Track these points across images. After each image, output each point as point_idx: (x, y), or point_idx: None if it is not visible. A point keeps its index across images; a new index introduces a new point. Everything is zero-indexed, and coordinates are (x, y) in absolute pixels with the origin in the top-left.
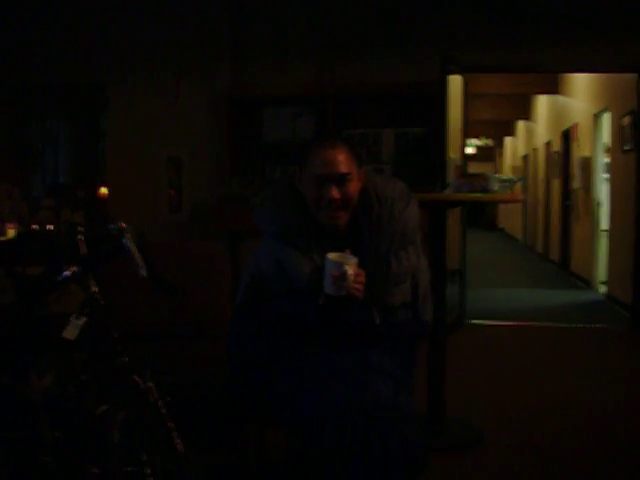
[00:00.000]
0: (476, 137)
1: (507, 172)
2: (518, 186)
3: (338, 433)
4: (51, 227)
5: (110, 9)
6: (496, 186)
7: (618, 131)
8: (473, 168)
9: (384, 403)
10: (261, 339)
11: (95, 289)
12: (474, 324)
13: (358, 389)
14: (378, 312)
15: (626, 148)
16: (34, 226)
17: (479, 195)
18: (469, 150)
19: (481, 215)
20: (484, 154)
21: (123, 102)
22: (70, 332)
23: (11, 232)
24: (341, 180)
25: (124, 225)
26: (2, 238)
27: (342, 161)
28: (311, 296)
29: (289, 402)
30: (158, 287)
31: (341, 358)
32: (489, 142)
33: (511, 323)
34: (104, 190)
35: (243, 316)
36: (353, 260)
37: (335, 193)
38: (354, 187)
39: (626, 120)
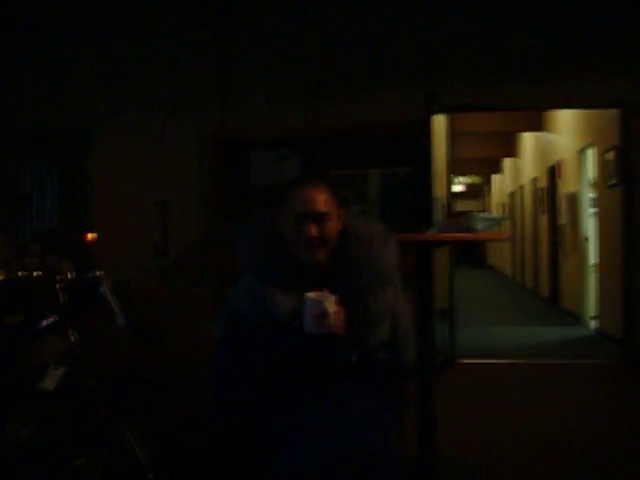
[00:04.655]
0: (463, 175)
1: (495, 209)
2: (505, 224)
3: None
4: (39, 273)
5: (96, 54)
6: (480, 225)
7: (603, 166)
8: (462, 205)
9: (368, 453)
10: (241, 373)
11: (74, 339)
12: (465, 363)
13: (343, 441)
14: (356, 351)
15: (611, 183)
16: (20, 273)
17: (464, 235)
18: (457, 188)
19: (470, 253)
20: (472, 191)
21: (109, 147)
22: (49, 382)
23: None
24: (320, 218)
25: (101, 274)
26: None
27: (321, 200)
28: (290, 332)
29: (274, 453)
30: (136, 335)
31: (325, 408)
32: (477, 180)
33: (502, 361)
34: (91, 235)
35: (222, 350)
36: (332, 298)
37: (313, 231)
38: (333, 226)
39: (610, 155)
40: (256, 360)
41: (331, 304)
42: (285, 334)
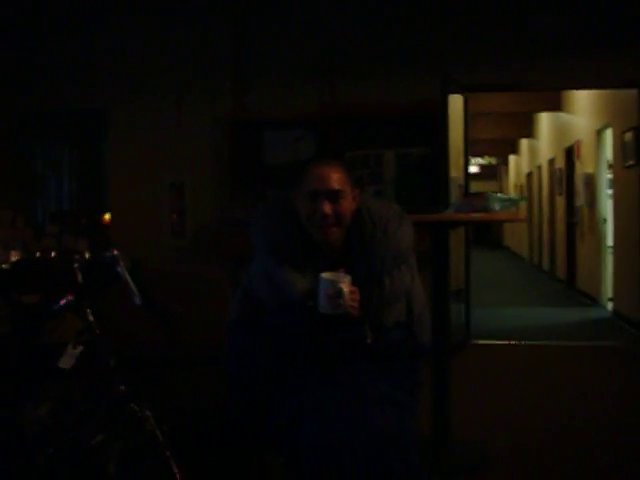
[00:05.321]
0: (480, 156)
1: (512, 190)
2: (522, 205)
3: (340, 468)
4: (55, 254)
5: (112, 35)
6: (497, 205)
7: (620, 147)
8: (477, 187)
9: (385, 434)
10: (256, 354)
11: (91, 318)
12: (479, 344)
13: (358, 422)
14: (370, 331)
15: (628, 164)
16: (38, 253)
17: (480, 215)
18: (473, 169)
19: (486, 234)
20: (488, 173)
21: (125, 128)
22: (66, 362)
23: (15, 259)
24: (334, 196)
25: (117, 253)
26: (5, 266)
27: (336, 178)
28: (304, 312)
29: (288, 435)
30: (153, 315)
31: (339, 389)
32: (493, 161)
33: (517, 342)
34: (107, 216)
35: (237, 331)
36: (347, 278)
37: (327, 208)
38: (347, 205)
39: (628, 136)
40: (270, 340)
41: (346, 284)
42: (299, 314)
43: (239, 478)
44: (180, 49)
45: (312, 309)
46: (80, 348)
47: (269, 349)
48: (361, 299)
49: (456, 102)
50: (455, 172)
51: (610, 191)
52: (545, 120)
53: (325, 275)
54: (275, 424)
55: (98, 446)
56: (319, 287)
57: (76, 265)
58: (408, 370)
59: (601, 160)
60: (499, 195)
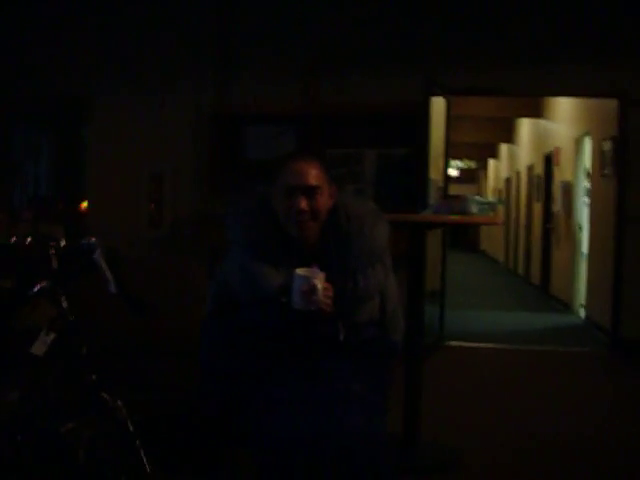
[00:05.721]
0: (460, 159)
1: (490, 194)
2: (500, 209)
3: (306, 464)
4: (31, 239)
5: (95, 23)
6: (475, 208)
7: (599, 156)
8: (456, 190)
9: (353, 432)
10: (229, 347)
11: (65, 305)
12: (453, 346)
13: (326, 419)
14: (343, 328)
15: (606, 173)
16: (13, 239)
17: (457, 217)
18: (452, 172)
19: (463, 237)
20: (468, 176)
21: (106, 116)
22: (39, 348)
23: None
24: (311, 192)
25: (94, 240)
26: None
27: (313, 174)
28: (278, 307)
29: (256, 429)
30: (127, 304)
31: (309, 385)
32: (472, 164)
33: (490, 346)
34: (84, 204)
35: (212, 324)
36: (321, 274)
37: (304, 204)
38: (323, 201)
39: (607, 145)
40: (244, 334)
41: (320, 280)
42: (273, 309)
43: (209, 469)
44: (164, 41)
45: (286, 304)
46: (53, 335)
47: (243, 343)
48: (334, 296)
49: (438, 104)
50: (435, 174)
51: (587, 199)
52: (525, 126)
53: (299, 271)
54: (245, 415)
55: (68, 434)
56: (293, 283)
57: (52, 251)
58: (379, 368)
59: (579, 168)
60: (477, 198)
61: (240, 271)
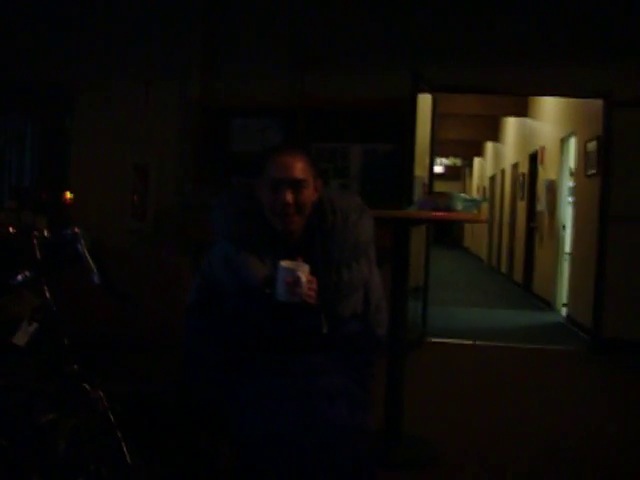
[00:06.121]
0: (445, 156)
1: (475, 192)
2: (484, 207)
3: (285, 458)
4: (13, 229)
5: (81, 12)
6: (460, 205)
7: (583, 156)
8: (441, 187)
9: (334, 426)
10: (212, 338)
11: (48, 295)
12: (435, 342)
13: (306, 413)
14: (326, 321)
15: (590, 172)
16: None
17: (442, 214)
18: (438, 169)
19: (447, 233)
20: (453, 173)
21: (91, 106)
22: (20, 338)
23: None
24: (296, 185)
25: (78, 231)
26: None
27: (299, 167)
28: (262, 298)
29: (238, 420)
30: (110, 294)
31: (292, 379)
32: (458, 162)
33: (472, 342)
34: (68, 194)
35: (195, 315)
36: (305, 267)
37: (289, 197)
38: (309, 194)
39: (592, 145)
40: (227, 325)
41: (304, 273)
42: (257, 300)
43: (190, 461)
44: (151, 31)
45: (269, 296)
46: (35, 325)
47: (226, 334)
48: (318, 289)
49: (425, 101)
50: (420, 171)
51: (571, 198)
52: (511, 125)
53: (284, 263)
54: (227, 408)
55: (49, 425)
56: (277, 275)
57: (35, 241)
58: (362, 362)
59: (564, 167)
60: (462, 195)
61: (224, 262)
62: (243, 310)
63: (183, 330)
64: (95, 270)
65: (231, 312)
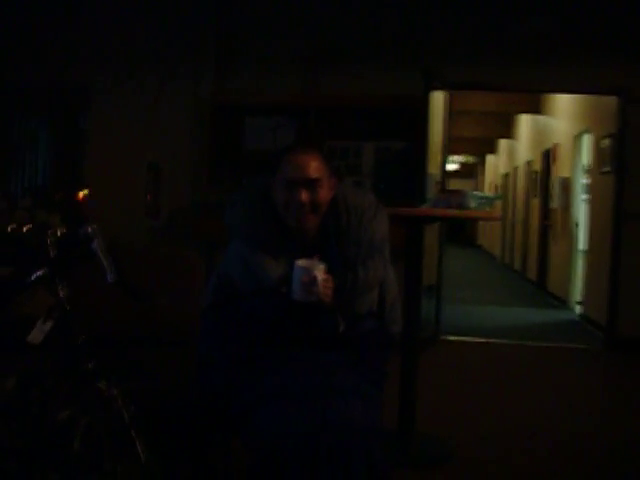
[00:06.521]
0: (458, 154)
1: (488, 189)
2: (497, 204)
3: (298, 455)
4: (29, 227)
5: (94, 12)
6: (473, 203)
7: (598, 153)
8: (455, 184)
9: (348, 424)
10: (228, 338)
11: (63, 293)
12: (449, 340)
13: (321, 412)
14: (343, 320)
15: (605, 170)
16: (10, 226)
17: (456, 212)
18: (451, 166)
19: (460, 231)
20: (466, 171)
21: (105, 105)
22: (35, 336)
23: None
24: (311, 185)
25: (93, 229)
26: None
27: (313, 167)
28: (278, 298)
29: (249, 417)
30: (126, 292)
31: (305, 378)
32: (471, 159)
33: (486, 340)
34: (82, 192)
35: (211, 316)
36: (322, 266)
37: (304, 197)
38: (324, 193)
39: (606, 142)
40: (243, 325)
41: (320, 272)
42: (273, 299)
43: (204, 460)
44: (164, 30)
45: (285, 295)
46: (50, 323)
47: (242, 334)
48: (334, 287)
49: (438, 99)
50: (433, 168)
51: (585, 196)
52: (525, 122)
53: (300, 262)
54: (241, 406)
55: (64, 422)
56: (293, 274)
57: (49, 239)
58: (376, 360)
59: (578, 165)
60: (475, 193)
61: (240, 262)
62: (259, 310)
63: (198, 330)
64: (110, 268)
65: (247, 312)
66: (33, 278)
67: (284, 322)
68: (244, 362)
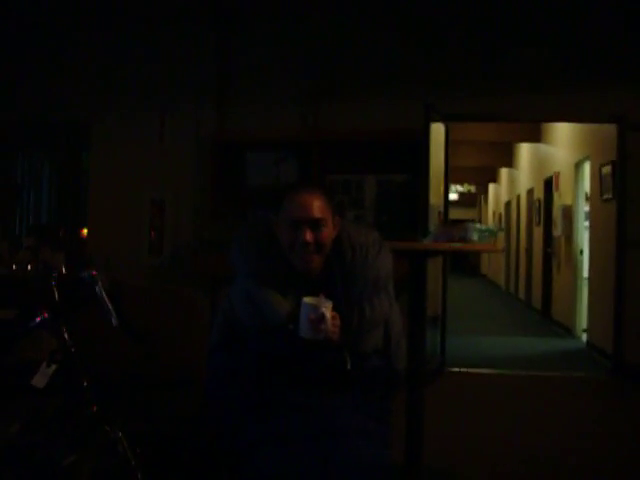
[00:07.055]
0: (460, 183)
1: (490, 218)
2: (500, 235)
3: None
4: (32, 267)
5: (96, 49)
6: (475, 236)
7: (598, 180)
8: (456, 214)
9: (353, 466)
10: (236, 379)
11: (66, 336)
12: (454, 372)
13: (325, 454)
14: (350, 358)
15: (606, 197)
16: (14, 267)
17: (459, 245)
18: (452, 196)
19: (463, 261)
20: (468, 200)
21: (107, 142)
22: (39, 380)
23: None
24: (315, 225)
25: (96, 273)
26: None
27: (317, 206)
28: (285, 335)
29: (250, 458)
30: (129, 336)
31: (309, 420)
32: (472, 188)
33: (492, 371)
34: (85, 230)
35: (218, 356)
36: (328, 303)
37: (309, 237)
38: (328, 233)
39: (606, 170)
40: (250, 365)
41: (328, 309)
42: (281, 337)
43: None
44: (165, 66)
45: (293, 332)
46: (54, 367)
47: (249, 375)
48: (341, 325)
49: (438, 130)
50: (435, 199)
51: (587, 223)
52: (525, 151)
53: (307, 299)
54: (242, 448)
55: (69, 467)
56: (301, 311)
57: (53, 282)
58: (381, 397)
59: (579, 192)
60: (478, 225)
61: (246, 299)
62: (266, 348)
63: (205, 369)
64: (113, 312)
65: (254, 351)
66: (37, 322)
67: (291, 360)
68: (251, 403)
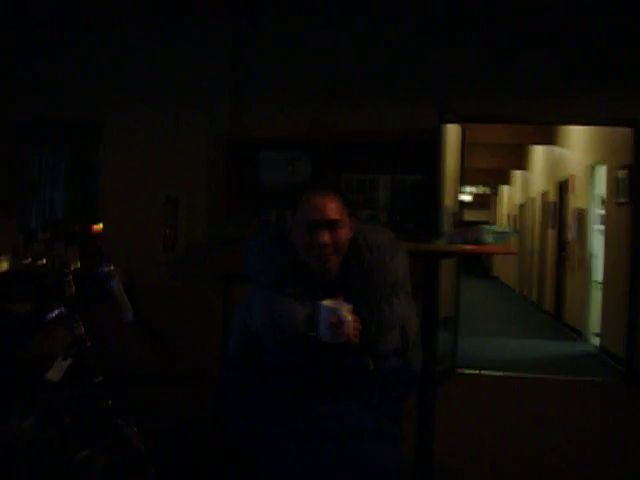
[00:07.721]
0: (473, 185)
1: (504, 220)
2: (514, 238)
3: None
4: (43, 261)
5: (111, 46)
6: (489, 238)
7: (613, 184)
8: (470, 215)
9: (366, 466)
10: (252, 391)
11: (81, 331)
12: (466, 374)
13: (337, 454)
14: (371, 359)
15: (621, 201)
16: (28, 260)
17: (473, 247)
18: (466, 197)
19: (476, 263)
20: (481, 202)
21: (121, 139)
22: (54, 374)
23: (4, 265)
24: (332, 226)
25: (112, 269)
26: None
27: (333, 208)
28: (304, 343)
29: (261, 458)
30: (143, 331)
31: (321, 421)
32: (486, 190)
33: (503, 374)
34: (99, 226)
35: (235, 368)
36: (348, 306)
37: (326, 238)
38: (344, 234)
39: (622, 173)
40: (267, 375)
41: (347, 312)
42: (303, 345)
43: None
44: (179, 64)
45: (314, 339)
46: (69, 361)
47: (266, 386)
48: (361, 327)
49: (452, 131)
50: (448, 200)
51: (601, 227)
52: (539, 153)
53: (326, 303)
54: (254, 448)
55: (83, 461)
56: (320, 315)
57: (69, 277)
58: (395, 398)
59: (593, 195)
60: (491, 228)
61: (264, 309)
62: (286, 359)
63: (216, 367)
64: (128, 308)
65: (272, 361)
66: (52, 316)
67: (312, 367)
68: (267, 410)
